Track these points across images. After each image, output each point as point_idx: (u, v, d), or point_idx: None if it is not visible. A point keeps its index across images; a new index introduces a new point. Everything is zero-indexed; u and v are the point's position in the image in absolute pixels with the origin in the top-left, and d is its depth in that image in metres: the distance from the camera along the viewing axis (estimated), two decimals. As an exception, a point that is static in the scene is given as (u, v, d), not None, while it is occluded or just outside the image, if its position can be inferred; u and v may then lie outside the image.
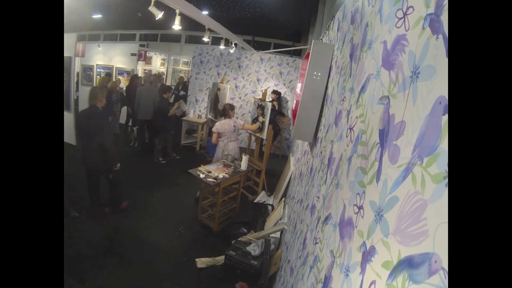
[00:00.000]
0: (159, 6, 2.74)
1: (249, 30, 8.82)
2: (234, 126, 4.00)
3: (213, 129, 4.00)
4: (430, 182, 0.47)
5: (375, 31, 0.95)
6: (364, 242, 0.70)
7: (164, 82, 9.86)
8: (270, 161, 4.72)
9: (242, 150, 5.43)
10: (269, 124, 4.31)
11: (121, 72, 7.52)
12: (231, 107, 4.10)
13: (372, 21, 1.01)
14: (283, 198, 3.65)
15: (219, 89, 5.80)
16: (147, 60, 9.43)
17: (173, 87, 7.92)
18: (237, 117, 6.31)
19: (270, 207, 3.94)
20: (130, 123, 6.86)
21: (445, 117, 0.46)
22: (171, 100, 6.36)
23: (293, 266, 1.77)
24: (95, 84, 7.69)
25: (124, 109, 6.59)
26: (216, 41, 7.70)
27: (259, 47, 8.50)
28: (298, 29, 8.15)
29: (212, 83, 6.24)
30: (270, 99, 5.65)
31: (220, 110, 4.41)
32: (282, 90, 6.25)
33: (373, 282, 0.61)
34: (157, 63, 10.18)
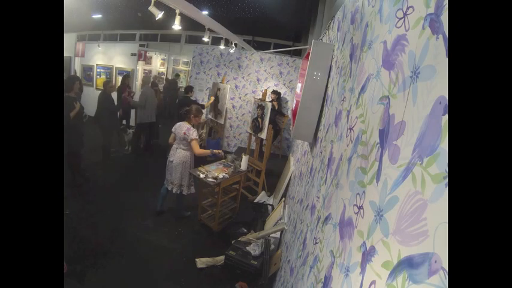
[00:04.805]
0: (159, 6, 2.74)
1: (249, 30, 8.82)
2: (185, 133, 3.28)
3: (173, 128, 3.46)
4: (430, 182, 0.47)
5: (375, 31, 0.95)
6: (364, 242, 0.70)
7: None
8: (270, 161, 4.71)
9: (242, 150, 5.43)
10: (269, 124, 4.31)
11: (121, 72, 7.51)
12: (197, 112, 3.40)
13: (372, 21, 1.01)
14: (283, 198, 3.65)
15: (219, 89, 5.80)
16: (147, 60, 9.41)
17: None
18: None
19: (270, 207, 3.94)
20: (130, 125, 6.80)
21: (445, 117, 0.46)
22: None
23: (293, 266, 1.77)
24: (95, 84, 7.73)
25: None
26: (216, 41, 7.70)
27: (259, 47, 8.50)
28: (298, 29, 8.14)
29: (212, 83, 6.24)
30: (270, 99, 5.65)
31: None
32: (282, 90, 6.25)
33: (373, 282, 0.61)
34: (157, 63, 10.17)
